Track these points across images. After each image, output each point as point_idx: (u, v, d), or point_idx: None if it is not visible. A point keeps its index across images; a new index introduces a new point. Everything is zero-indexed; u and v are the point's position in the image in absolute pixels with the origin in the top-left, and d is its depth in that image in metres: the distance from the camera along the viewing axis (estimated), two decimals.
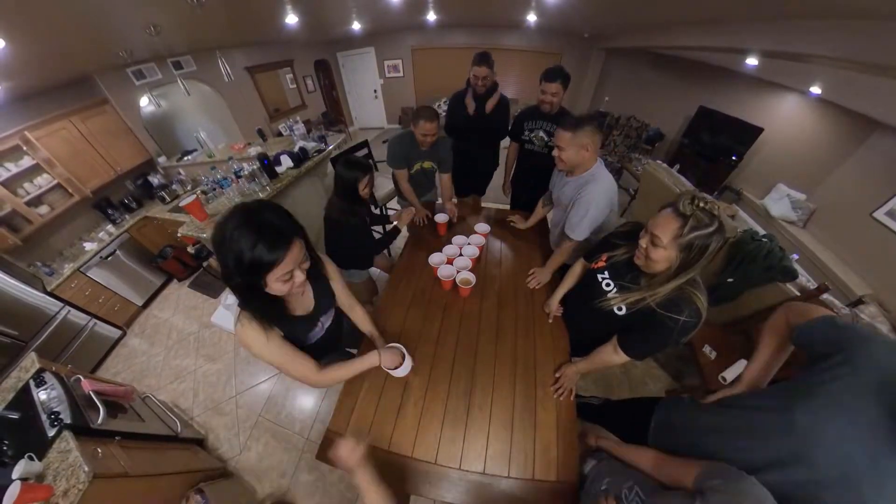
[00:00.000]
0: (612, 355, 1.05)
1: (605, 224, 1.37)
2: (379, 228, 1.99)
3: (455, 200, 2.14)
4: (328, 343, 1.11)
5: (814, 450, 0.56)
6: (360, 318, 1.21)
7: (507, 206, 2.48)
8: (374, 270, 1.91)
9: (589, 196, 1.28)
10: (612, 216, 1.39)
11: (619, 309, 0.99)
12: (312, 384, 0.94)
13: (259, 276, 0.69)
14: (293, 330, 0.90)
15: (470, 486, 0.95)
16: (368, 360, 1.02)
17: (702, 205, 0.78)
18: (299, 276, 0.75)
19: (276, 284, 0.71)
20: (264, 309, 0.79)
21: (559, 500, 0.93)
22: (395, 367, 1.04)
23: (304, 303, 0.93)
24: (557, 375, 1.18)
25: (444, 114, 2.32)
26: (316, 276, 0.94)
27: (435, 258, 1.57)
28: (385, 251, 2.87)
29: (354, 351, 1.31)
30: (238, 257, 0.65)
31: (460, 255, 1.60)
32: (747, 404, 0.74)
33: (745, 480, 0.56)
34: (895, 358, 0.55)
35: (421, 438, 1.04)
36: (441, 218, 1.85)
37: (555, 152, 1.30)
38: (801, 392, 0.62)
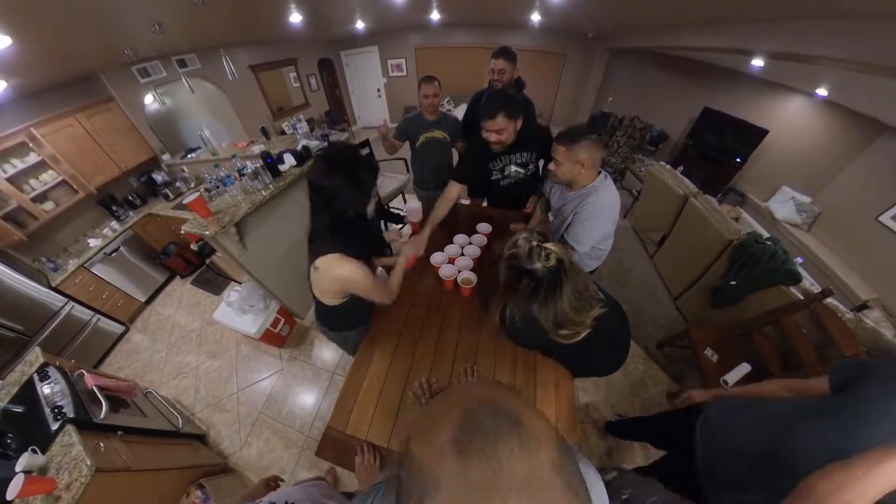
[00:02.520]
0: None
1: (606, 236, 1.36)
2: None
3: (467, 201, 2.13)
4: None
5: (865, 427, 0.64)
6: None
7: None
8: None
9: (591, 209, 1.25)
10: (613, 227, 1.36)
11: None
12: (388, 300, 1.19)
13: (373, 189, 0.99)
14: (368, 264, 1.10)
15: None
16: (400, 266, 1.30)
17: (533, 244, 0.90)
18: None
19: (373, 199, 1.01)
20: (363, 244, 1.04)
21: None
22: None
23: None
24: None
25: (451, 108, 2.31)
26: None
27: (437, 257, 1.57)
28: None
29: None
30: (359, 180, 0.93)
31: (462, 254, 1.60)
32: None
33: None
34: None
35: None
36: (414, 204, 1.72)
37: (551, 165, 1.29)
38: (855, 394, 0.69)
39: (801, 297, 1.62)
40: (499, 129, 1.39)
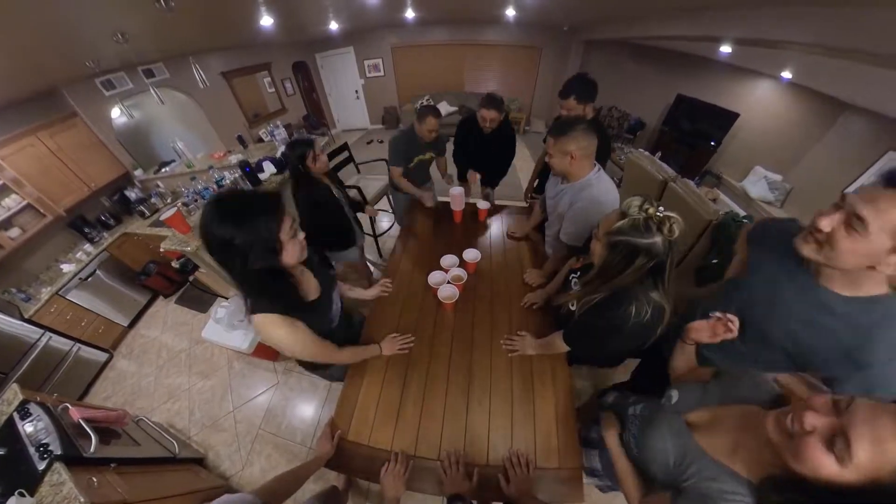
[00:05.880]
0: (558, 341, 1.11)
1: None
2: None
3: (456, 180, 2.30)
4: (345, 332, 1.22)
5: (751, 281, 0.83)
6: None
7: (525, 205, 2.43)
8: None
9: (585, 204, 1.24)
10: None
11: (572, 306, 1.04)
12: (333, 360, 1.08)
13: (275, 239, 0.74)
14: (315, 315, 0.96)
15: (475, 479, 0.96)
16: (372, 349, 1.22)
17: (650, 211, 0.74)
18: (300, 233, 0.83)
19: (290, 245, 0.78)
20: (287, 299, 0.84)
21: (561, 486, 0.95)
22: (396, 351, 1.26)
23: (311, 285, 0.99)
24: (521, 334, 1.26)
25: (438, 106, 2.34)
26: (309, 262, 0.98)
27: (435, 277, 1.47)
28: (377, 252, 2.88)
29: None
30: (253, 229, 0.71)
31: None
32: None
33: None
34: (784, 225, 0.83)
35: (423, 437, 1.05)
36: (456, 191, 1.88)
37: (547, 157, 1.31)
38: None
39: None
40: (568, 109, 1.67)
